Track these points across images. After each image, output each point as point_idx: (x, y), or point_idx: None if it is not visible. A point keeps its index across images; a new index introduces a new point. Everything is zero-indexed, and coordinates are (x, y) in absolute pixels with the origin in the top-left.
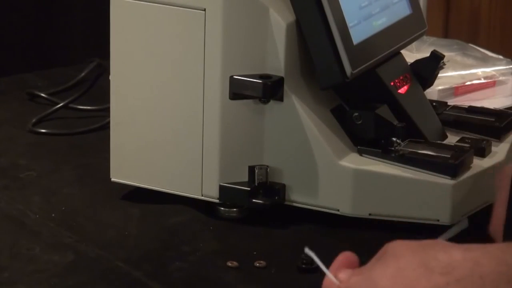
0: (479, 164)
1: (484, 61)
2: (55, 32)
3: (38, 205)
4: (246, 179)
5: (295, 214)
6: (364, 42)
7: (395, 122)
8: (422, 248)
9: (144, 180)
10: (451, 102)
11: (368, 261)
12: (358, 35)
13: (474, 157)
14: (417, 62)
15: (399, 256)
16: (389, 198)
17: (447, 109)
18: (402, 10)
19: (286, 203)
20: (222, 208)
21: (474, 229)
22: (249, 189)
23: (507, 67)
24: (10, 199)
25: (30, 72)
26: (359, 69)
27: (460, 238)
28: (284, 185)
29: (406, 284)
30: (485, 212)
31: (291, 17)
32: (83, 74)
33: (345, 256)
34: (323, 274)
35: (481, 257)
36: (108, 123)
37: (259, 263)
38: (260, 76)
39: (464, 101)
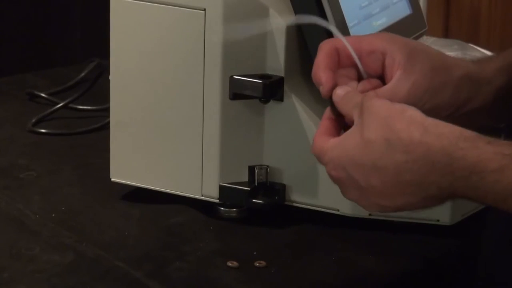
0: None
1: None
2: (55, 32)
3: (38, 205)
4: (246, 179)
5: (295, 214)
6: None
7: None
8: (388, 125)
9: (144, 180)
10: None
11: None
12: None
13: None
14: None
15: (369, 130)
16: None
17: None
18: (402, 10)
19: (286, 203)
20: (222, 208)
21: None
22: (249, 189)
23: None
24: (10, 199)
25: (30, 72)
26: None
27: None
28: (284, 185)
29: (372, 157)
30: (485, 211)
31: (291, 17)
32: (83, 74)
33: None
34: None
35: (434, 144)
36: (108, 123)
37: (259, 263)
38: (260, 76)
39: None
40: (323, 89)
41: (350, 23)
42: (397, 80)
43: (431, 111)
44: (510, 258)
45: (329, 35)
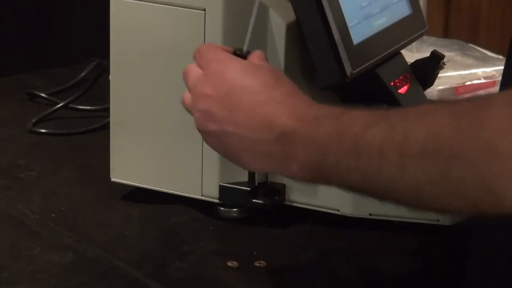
0: None
1: (484, 61)
2: (55, 32)
3: (38, 205)
4: (246, 179)
5: (295, 214)
6: (364, 42)
7: None
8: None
9: (144, 180)
10: None
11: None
12: (358, 35)
13: None
14: (417, 62)
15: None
16: None
17: None
18: (402, 10)
19: (286, 203)
20: (222, 208)
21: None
22: (249, 189)
23: None
24: (10, 199)
25: (30, 72)
26: (359, 69)
27: None
28: (284, 185)
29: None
30: None
31: (291, 17)
32: (83, 74)
33: None
34: None
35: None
36: (108, 123)
37: (259, 263)
38: None
39: None
40: None
41: (350, 23)
42: None
43: None
44: (499, 260)
45: (330, 37)
